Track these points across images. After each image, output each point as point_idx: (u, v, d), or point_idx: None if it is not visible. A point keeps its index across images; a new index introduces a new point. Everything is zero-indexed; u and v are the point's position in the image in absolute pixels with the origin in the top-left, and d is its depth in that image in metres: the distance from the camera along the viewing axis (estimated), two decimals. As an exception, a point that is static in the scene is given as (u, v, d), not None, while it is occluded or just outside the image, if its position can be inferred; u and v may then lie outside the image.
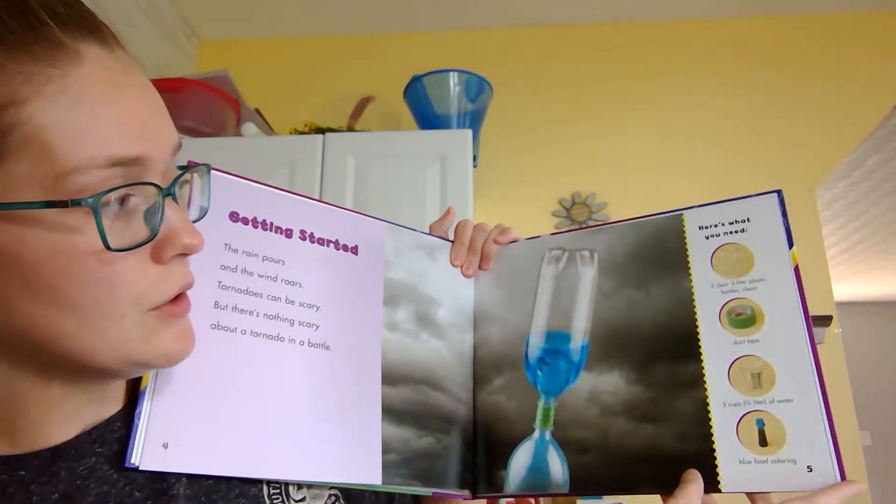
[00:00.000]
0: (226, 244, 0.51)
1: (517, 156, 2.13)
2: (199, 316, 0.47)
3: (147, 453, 0.44)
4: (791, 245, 0.53)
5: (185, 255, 0.41)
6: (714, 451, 0.50)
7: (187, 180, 0.45)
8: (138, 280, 0.39)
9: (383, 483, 0.53)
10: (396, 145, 1.68)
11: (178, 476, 0.45)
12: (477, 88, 1.84)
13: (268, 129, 1.91)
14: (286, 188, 0.57)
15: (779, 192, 0.55)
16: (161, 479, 0.45)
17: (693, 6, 2.19)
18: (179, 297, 0.43)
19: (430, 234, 0.65)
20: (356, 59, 2.29)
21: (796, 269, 0.52)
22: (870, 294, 5.27)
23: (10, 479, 0.41)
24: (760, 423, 0.49)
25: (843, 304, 4.28)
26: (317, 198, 0.59)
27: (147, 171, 0.38)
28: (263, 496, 0.49)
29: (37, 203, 0.35)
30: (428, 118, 1.84)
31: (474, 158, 1.72)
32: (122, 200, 0.38)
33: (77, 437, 0.43)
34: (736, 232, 0.55)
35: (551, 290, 0.61)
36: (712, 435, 0.50)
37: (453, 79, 1.80)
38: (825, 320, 1.88)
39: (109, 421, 0.45)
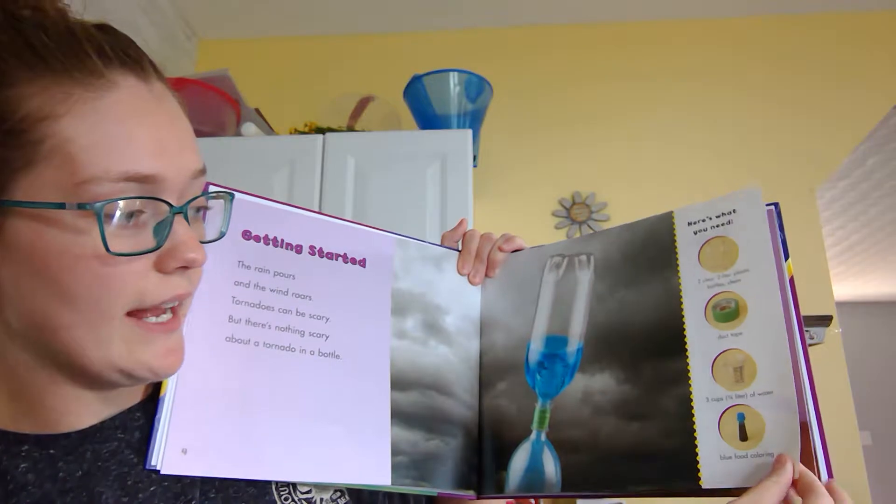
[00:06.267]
0: (239, 261, 0.54)
1: (517, 156, 2.13)
2: (214, 329, 0.52)
3: (167, 458, 0.47)
4: (784, 245, 0.52)
5: (186, 268, 0.45)
6: (696, 447, 0.50)
7: (203, 204, 0.49)
8: (135, 283, 0.43)
9: (392, 484, 0.55)
10: (396, 145, 1.68)
11: None
12: (477, 88, 1.84)
13: (268, 129, 1.91)
14: (289, 199, 0.59)
15: (775, 204, 0.54)
16: None
17: (693, 6, 2.19)
18: (173, 314, 0.46)
19: (438, 244, 0.67)
20: (356, 59, 2.29)
21: (779, 259, 0.52)
22: (870, 294, 5.27)
23: (40, 456, 0.45)
24: (741, 417, 0.49)
25: (843, 304, 4.28)
26: (326, 213, 0.62)
27: (162, 190, 0.43)
28: (270, 486, 0.52)
29: (52, 204, 0.40)
30: (428, 118, 1.84)
31: (474, 158, 1.72)
32: (134, 213, 0.42)
33: (102, 423, 0.48)
34: (722, 225, 0.55)
35: (552, 296, 0.62)
36: (695, 431, 0.50)
37: (453, 79, 1.80)
38: (825, 320, 1.88)
39: (130, 410, 0.49)
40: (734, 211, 0.55)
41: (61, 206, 0.39)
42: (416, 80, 1.82)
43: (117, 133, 0.41)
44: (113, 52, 0.43)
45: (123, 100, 0.42)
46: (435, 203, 1.60)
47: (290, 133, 1.86)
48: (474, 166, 1.70)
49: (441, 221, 1.58)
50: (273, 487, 0.52)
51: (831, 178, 2.89)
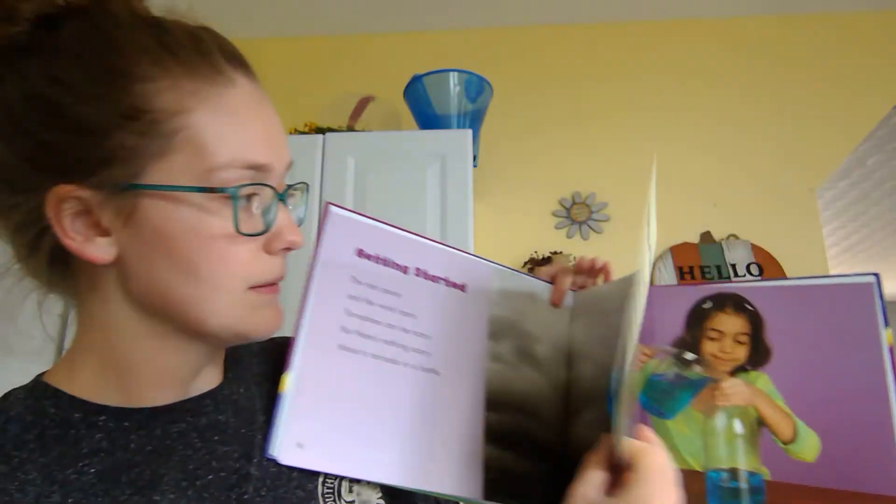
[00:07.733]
0: (353, 277, 0.59)
1: (517, 156, 2.13)
2: (329, 337, 0.56)
3: (285, 449, 0.52)
4: (884, 313, 0.56)
5: (288, 249, 0.50)
6: None
7: (295, 192, 0.54)
8: (249, 263, 0.48)
9: (484, 499, 0.57)
10: (396, 145, 1.68)
11: None
12: (477, 88, 1.84)
13: (268, 129, 1.91)
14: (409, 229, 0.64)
15: (876, 275, 0.58)
16: None
17: (693, 6, 2.19)
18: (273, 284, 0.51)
19: (532, 276, 0.70)
20: (356, 59, 2.29)
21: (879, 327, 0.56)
22: (870, 294, 5.26)
23: (115, 426, 0.48)
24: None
25: (843, 304, 4.26)
26: (433, 238, 0.66)
27: (269, 178, 0.48)
28: (317, 493, 0.54)
29: (190, 188, 0.44)
30: (428, 118, 1.84)
31: (474, 158, 1.72)
32: (249, 197, 0.47)
33: (174, 404, 0.51)
34: None
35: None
36: None
37: (453, 79, 1.80)
38: (825, 320, 1.88)
39: (202, 396, 0.53)
40: None
41: (200, 189, 0.44)
42: (416, 80, 1.82)
43: (239, 126, 0.46)
44: (232, 53, 0.48)
45: (242, 95, 0.47)
46: (435, 203, 1.60)
47: (290, 133, 1.86)
48: (474, 166, 1.70)
49: (441, 221, 1.58)
50: (319, 494, 0.54)
51: (831, 178, 2.89)
